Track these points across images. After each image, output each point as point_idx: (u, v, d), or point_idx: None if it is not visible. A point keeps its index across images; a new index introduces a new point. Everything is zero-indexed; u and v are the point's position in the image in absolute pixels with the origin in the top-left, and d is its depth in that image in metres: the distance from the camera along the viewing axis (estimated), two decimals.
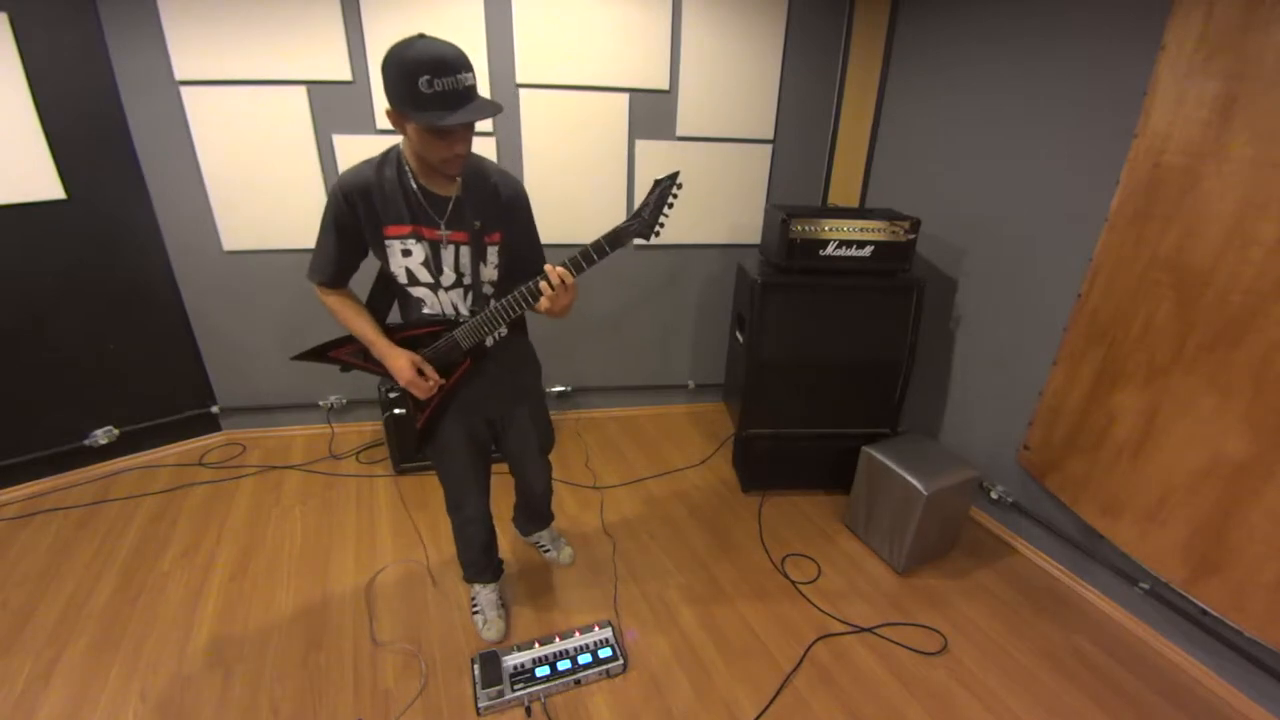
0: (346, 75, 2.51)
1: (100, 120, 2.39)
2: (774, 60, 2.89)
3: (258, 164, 2.57)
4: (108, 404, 2.72)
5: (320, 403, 3.07)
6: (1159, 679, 1.90)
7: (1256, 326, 1.60)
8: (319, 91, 2.52)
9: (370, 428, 3.14)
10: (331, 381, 3.05)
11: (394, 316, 1.62)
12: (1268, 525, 1.61)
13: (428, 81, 1.17)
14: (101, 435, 2.71)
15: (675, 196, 1.32)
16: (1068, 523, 2.25)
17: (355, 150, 2.62)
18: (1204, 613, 1.82)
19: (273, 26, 2.39)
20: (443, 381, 1.55)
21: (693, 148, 2.95)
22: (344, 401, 3.09)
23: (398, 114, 1.26)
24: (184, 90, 2.42)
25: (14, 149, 2.24)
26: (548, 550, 2.28)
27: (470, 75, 1.23)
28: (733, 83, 2.88)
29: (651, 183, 1.33)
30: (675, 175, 1.32)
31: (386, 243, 1.41)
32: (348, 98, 2.55)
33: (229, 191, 2.60)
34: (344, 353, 1.63)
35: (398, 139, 1.41)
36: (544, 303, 1.36)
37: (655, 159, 2.92)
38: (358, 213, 1.39)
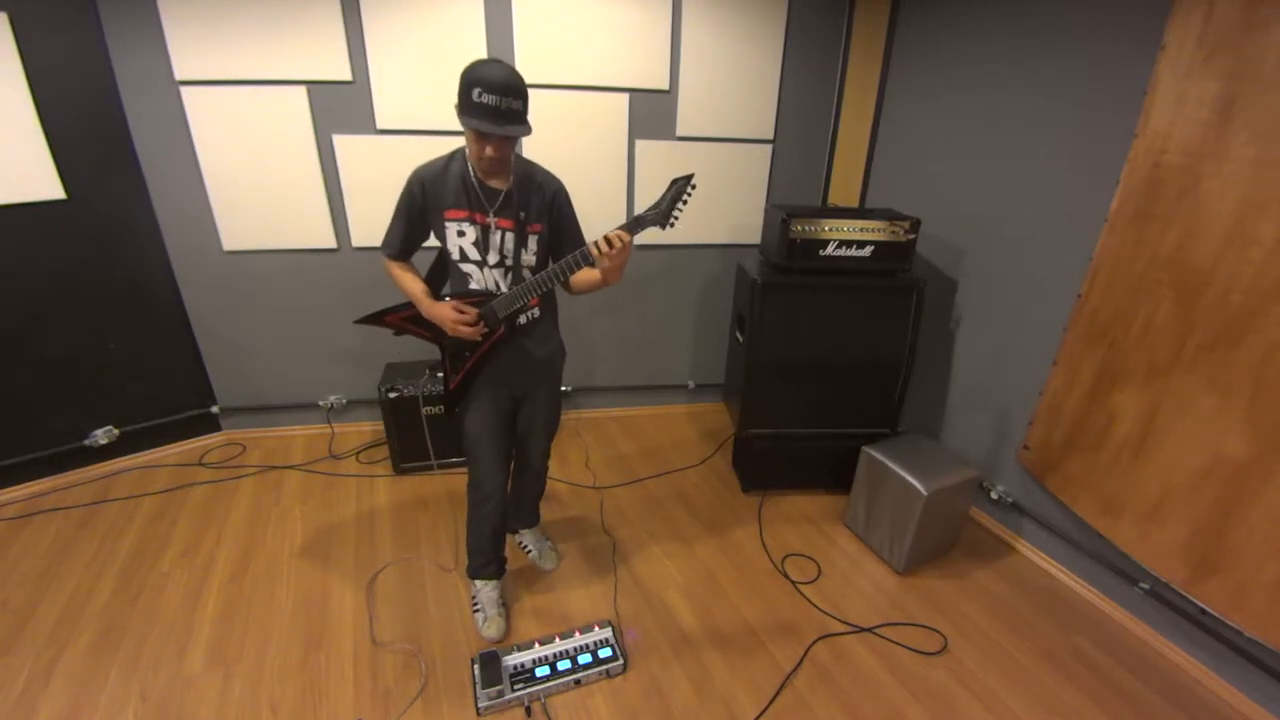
0: (346, 75, 2.51)
1: (100, 120, 2.39)
2: (774, 60, 2.89)
3: (258, 164, 2.57)
4: (108, 404, 2.72)
5: (320, 403, 3.07)
6: (1159, 679, 1.90)
7: (1256, 326, 1.60)
8: (319, 91, 2.52)
9: (370, 428, 3.14)
10: (331, 381, 3.05)
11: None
12: (1268, 525, 1.61)
13: (478, 93, 1.43)
14: (101, 435, 2.71)
15: (689, 196, 1.50)
16: (1068, 523, 2.25)
17: (355, 150, 2.62)
18: (1204, 613, 1.82)
19: (273, 26, 2.39)
20: (483, 326, 1.70)
21: (693, 148, 2.95)
22: (344, 401, 3.09)
23: (457, 110, 1.49)
24: (184, 90, 2.42)
25: (14, 149, 2.24)
26: (530, 551, 2.28)
27: (517, 102, 1.46)
28: (733, 83, 2.88)
29: (669, 182, 1.50)
30: (691, 176, 1.50)
31: (446, 223, 1.65)
32: (348, 98, 2.55)
33: (229, 191, 2.60)
34: (397, 317, 1.85)
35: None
36: (593, 271, 1.60)
37: (655, 159, 2.92)
38: (427, 197, 1.65)
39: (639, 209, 2.95)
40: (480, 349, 1.75)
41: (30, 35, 2.17)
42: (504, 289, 1.69)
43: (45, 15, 2.19)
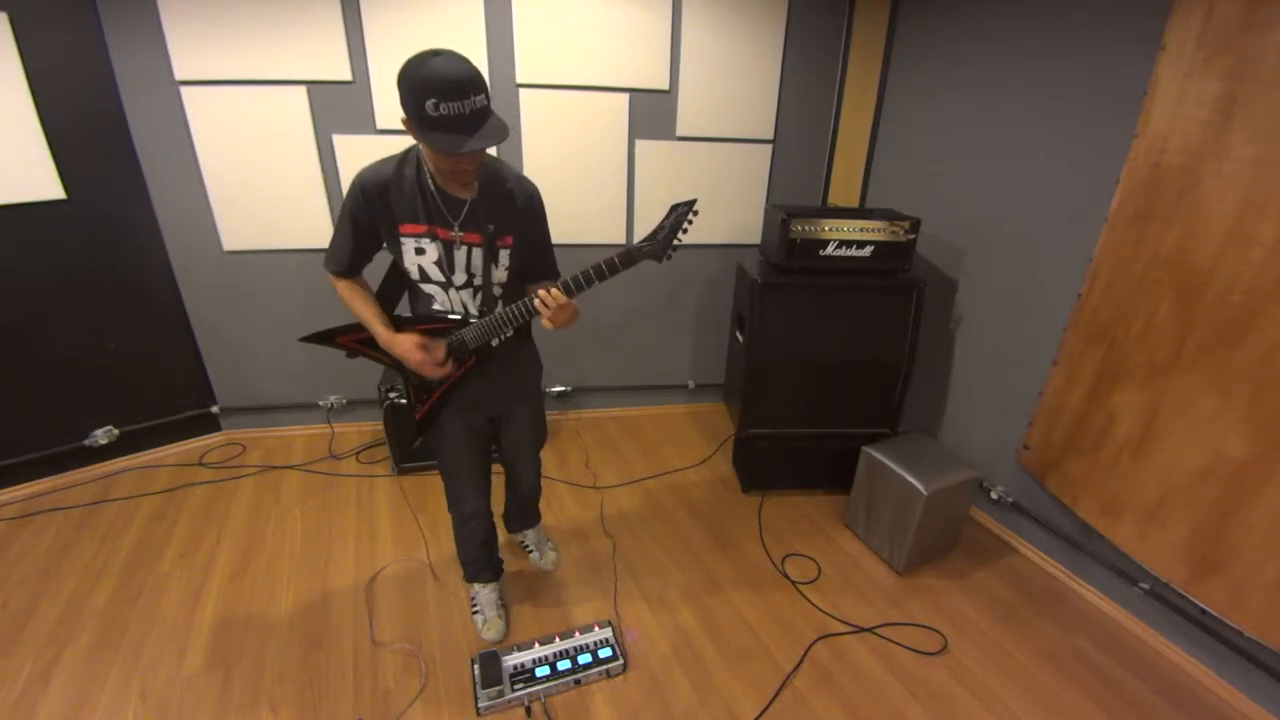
0: (346, 75, 2.51)
1: (100, 120, 2.39)
2: (774, 60, 2.89)
3: (258, 164, 2.57)
4: (108, 404, 2.71)
5: (320, 403, 3.07)
6: (1159, 679, 1.90)
7: (1256, 326, 1.60)
8: (319, 91, 2.52)
9: (370, 428, 3.14)
10: (331, 381, 3.05)
11: (403, 308, 1.64)
12: (1268, 525, 1.61)
13: (434, 105, 1.18)
14: (101, 435, 2.71)
15: (690, 223, 1.35)
16: (1068, 523, 2.25)
17: (355, 150, 2.62)
18: (1204, 613, 1.82)
19: (273, 26, 2.39)
20: (451, 365, 1.55)
21: (693, 148, 2.95)
22: (344, 401, 3.09)
23: (410, 125, 1.28)
24: (184, 90, 2.42)
25: (14, 149, 2.24)
26: (531, 551, 2.27)
27: (481, 97, 1.23)
28: (733, 83, 2.88)
29: (668, 207, 1.36)
30: (693, 202, 1.36)
31: (401, 240, 1.44)
32: (348, 98, 2.55)
33: (229, 191, 2.60)
34: (351, 339, 1.64)
35: (402, 139, 1.42)
36: (544, 319, 1.40)
37: (655, 159, 2.92)
38: (374, 209, 1.42)
39: (640, 213, 2.91)
40: (450, 380, 1.59)
41: (30, 35, 2.17)
42: (473, 310, 1.52)
43: (45, 15, 2.19)
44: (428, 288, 1.50)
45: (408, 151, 1.43)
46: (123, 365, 2.70)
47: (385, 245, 1.50)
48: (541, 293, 1.37)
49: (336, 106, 2.55)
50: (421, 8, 2.48)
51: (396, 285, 1.61)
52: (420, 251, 1.45)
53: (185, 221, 2.62)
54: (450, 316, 1.53)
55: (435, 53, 1.21)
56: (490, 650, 1.83)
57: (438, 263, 1.46)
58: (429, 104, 1.18)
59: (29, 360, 2.48)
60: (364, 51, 2.49)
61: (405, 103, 1.23)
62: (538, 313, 1.42)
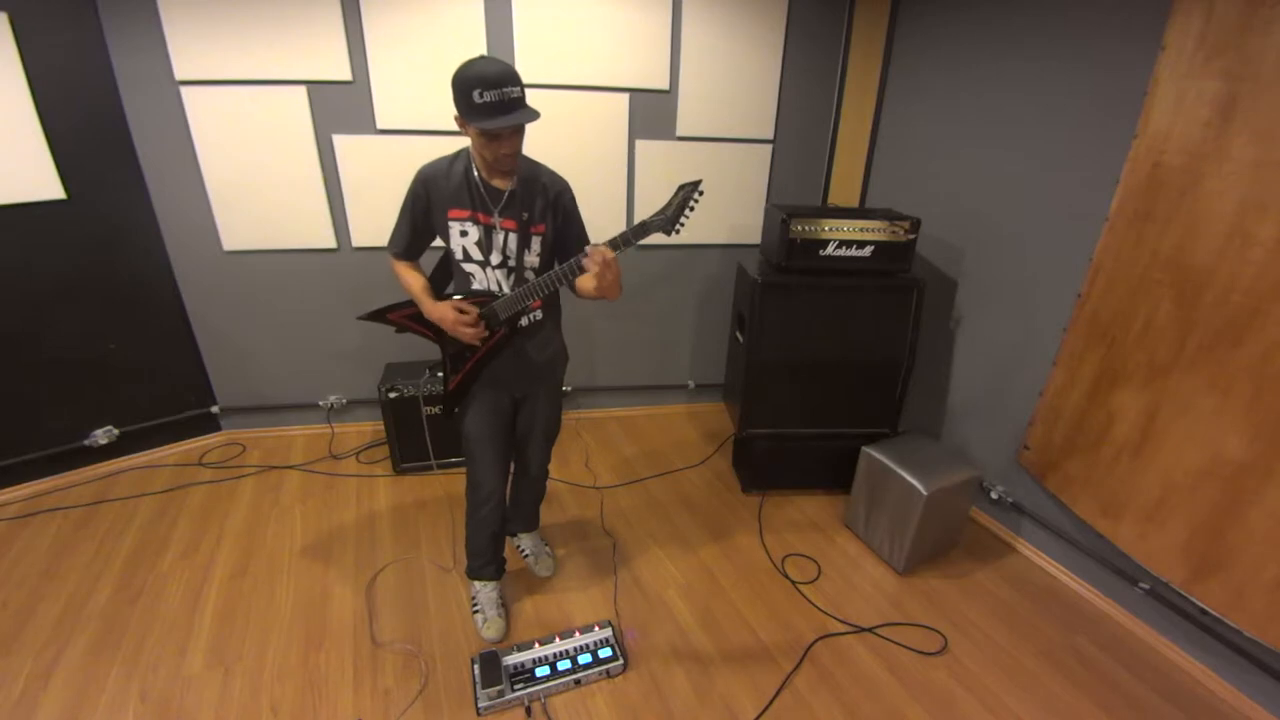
0: (346, 75, 2.51)
1: (100, 120, 2.39)
2: (774, 60, 2.89)
3: (258, 164, 2.57)
4: (108, 404, 2.72)
5: (320, 403, 3.07)
6: (1159, 679, 1.90)
7: (1256, 326, 1.60)
8: (319, 91, 2.52)
9: (370, 428, 3.14)
10: (331, 381, 3.05)
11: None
12: (1268, 525, 1.61)
13: (479, 93, 1.42)
14: (101, 435, 2.71)
15: (696, 201, 1.49)
16: (1068, 523, 2.25)
17: (355, 150, 2.62)
18: (1204, 613, 1.82)
19: (273, 26, 2.39)
20: (483, 328, 1.69)
21: (693, 148, 2.95)
22: (344, 401, 3.09)
23: (460, 119, 1.50)
24: (184, 90, 2.42)
25: (14, 149, 2.24)
26: (527, 556, 2.27)
27: (515, 89, 1.45)
28: (733, 83, 2.88)
29: (675, 187, 1.49)
30: (698, 183, 1.49)
31: (449, 223, 1.65)
32: (348, 98, 2.55)
33: (229, 191, 2.60)
34: (399, 315, 1.86)
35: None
36: (589, 281, 1.53)
37: (655, 159, 2.92)
38: (430, 197, 1.65)
39: (640, 212, 2.94)
40: (480, 351, 1.74)
41: (30, 35, 2.17)
42: (506, 290, 1.68)
43: (45, 15, 2.19)
44: (468, 267, 1.70)
45: (460, 151, 1.66)
46: (123, 365, 2.70)
47: (436, 229, 1.70)
48: (592, 249, 1.51)
49: (336, 106, 2.55)
50: (421, 8, 2.48)
51: (444, 276, 1.80)
52: (464, 233, 1.65)
53: (185, 221, 2.62)
54: (489, 291, 1.70)
55: (480, 57, 1.48)
56: (490, 650, 1.83)
57: (478, 243, 1.66)
58: (475, 93, 1.41)
59: (29, 360, 2.48)
60: (364, 51, 2.49)
61: (457, 98, 1.46)
62: (575, 275, 1.56)
